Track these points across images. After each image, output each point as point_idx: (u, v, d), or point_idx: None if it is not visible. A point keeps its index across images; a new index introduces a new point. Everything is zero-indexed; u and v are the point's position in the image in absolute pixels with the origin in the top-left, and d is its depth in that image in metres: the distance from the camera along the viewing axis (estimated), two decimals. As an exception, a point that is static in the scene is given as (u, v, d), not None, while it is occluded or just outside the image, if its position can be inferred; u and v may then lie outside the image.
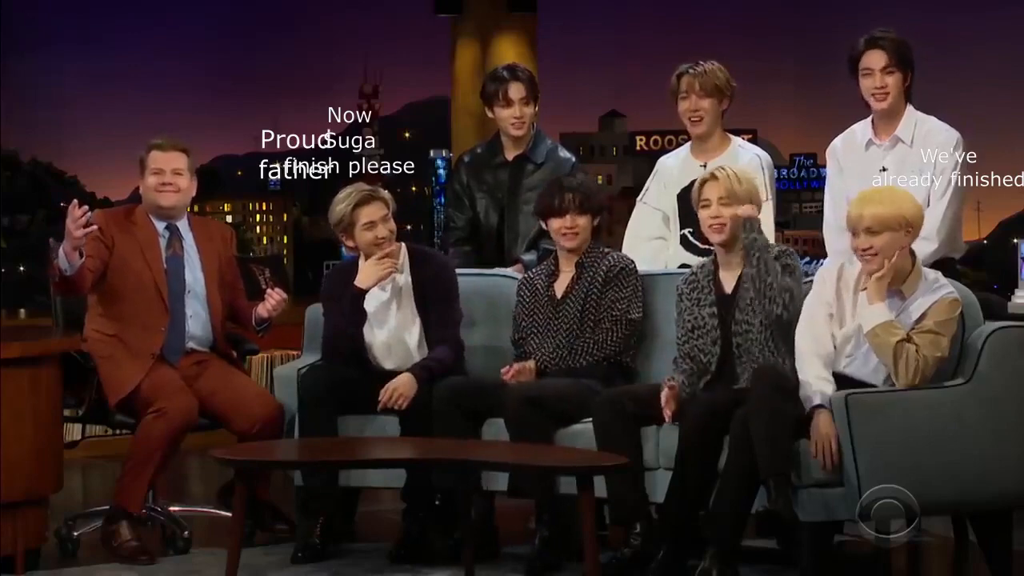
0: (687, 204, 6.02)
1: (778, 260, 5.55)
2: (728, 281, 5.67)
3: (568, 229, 6.00)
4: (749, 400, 5.28)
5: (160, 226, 6.27)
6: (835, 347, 5.38)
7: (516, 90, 6.51)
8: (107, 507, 6.01)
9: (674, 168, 6.35)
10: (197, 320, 6.23)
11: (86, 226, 5.77)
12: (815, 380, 5.30)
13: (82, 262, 5.88)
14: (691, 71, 6.21)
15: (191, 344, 6.20)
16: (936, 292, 5.31)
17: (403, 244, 6.19)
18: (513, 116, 6.52)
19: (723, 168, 5.73)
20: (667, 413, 5.52)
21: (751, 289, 5.55)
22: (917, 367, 5.21)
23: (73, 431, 6.60)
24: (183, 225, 6.31)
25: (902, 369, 5.22)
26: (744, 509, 5.33)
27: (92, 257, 6.01)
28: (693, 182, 5.91)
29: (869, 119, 5.97)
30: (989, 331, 5.37)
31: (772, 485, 5.19)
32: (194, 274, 6.25)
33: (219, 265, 6.31)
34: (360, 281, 6.05)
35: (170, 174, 6.25)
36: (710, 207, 5.65)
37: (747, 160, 6.18)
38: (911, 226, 5.32)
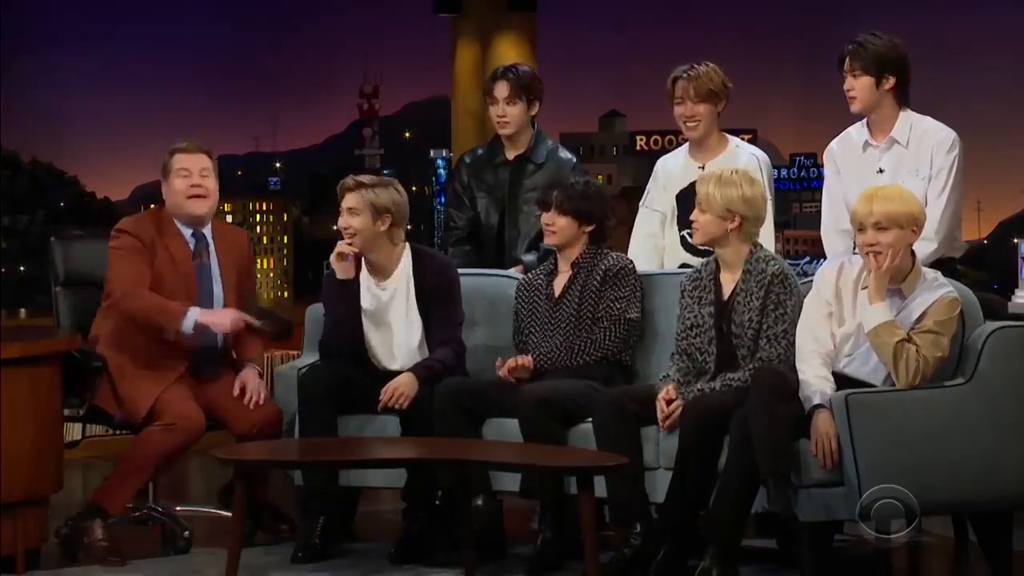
0: (685, 205, 6.04)
1: (772, 290, 5.54)
2: (727, 284, 5.67)
3: (546, 225, 6.02)
4: (749, 400, 5.28)
5: (187, 232, 6.20)
6: (835, 346, 5.39)
7: (500, 89, 6.53)
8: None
9: (673, 169, 6.36)
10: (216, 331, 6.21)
11: None
12: (815, 379, 5.30)
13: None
14: (685, 75, 6.21)
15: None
16: (936, 291, 5.32)
17: (407, 244, 6.18)
18: (497, 114, 6.55)
19: (712, 173, 5.72)
20: (663, 425, 5.55)
21: (749, 304, 5.55)
22: (918, 368, 5.21)
23: (73, 431, 6.59)
24: (207, 231, 6.25)
25: (902, 369, 5.22)
26: (744, 509, 5.33)
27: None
28: (691, 183, 5.93)
29: (864, 121, 5.98)
30: (989, 331, 5.37)
31: (772, 485, 5.20)
32: (216, 284, 6.21)
33: (237, 276, 6.27)
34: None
35: (197, 175, 6.16)
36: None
37: (745, 160, 6.19)
38: (917, 225, 5.33)
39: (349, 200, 6.07)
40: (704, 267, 5.76)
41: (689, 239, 6.13)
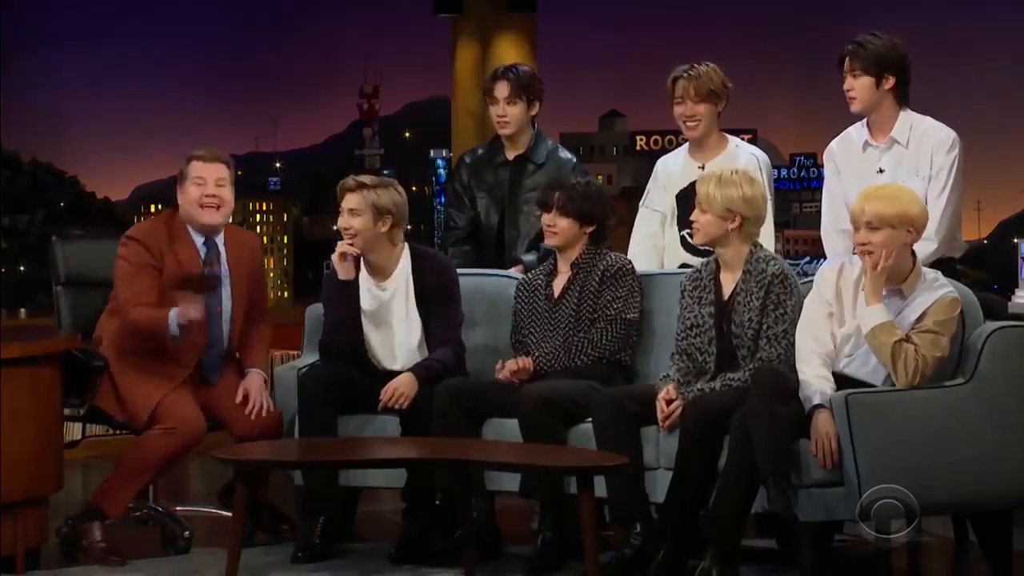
0: (685, 205, 6.04)
1: (772, 290, 5.55)
2: (727, 284, 5.67)
3: (548, 227, 6.02)
4: (749, 400, 5.28)
5: (199, 240, 6.17)
6: (835, 346, 5.39)
7: (500, 89, 6.54)
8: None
9: (673, 169, 6.36)
10: (221, 337, 6.19)
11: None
12: (815, 379, 5.30)
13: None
14: (686, 75, 6.21)
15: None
16: (936, 291, 5.32)
17: (406, 244, 6.18)
18: (497, 114, 6.56)
19: (712, 173, 5.73)
20: (664, 425, 5.55)
21: (749, 305, 5.56)
22: (917, 367, 5.21)
23: (73, 431, 6.59)
24: (220, 239, 6.20)
25: (901, 370, 5.22)
26: (744, 509, 5.33)
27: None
28: (691, 183, 5.93)
29: (864, 121, 5.98)
30: (989, 331, 5.37)
31: (772, 485, 5.20)
32: (226, 292, 6.16)
33: (248, 281, 6.25)
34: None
35: (213, 185, 6.11)
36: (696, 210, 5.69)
37: (745, 160, 6.19)
38: (913, 225, 5.32)
39: (350, 201, 6.06)
40: (704, 267, 5.76)
41: (689, 239, 6.13)
